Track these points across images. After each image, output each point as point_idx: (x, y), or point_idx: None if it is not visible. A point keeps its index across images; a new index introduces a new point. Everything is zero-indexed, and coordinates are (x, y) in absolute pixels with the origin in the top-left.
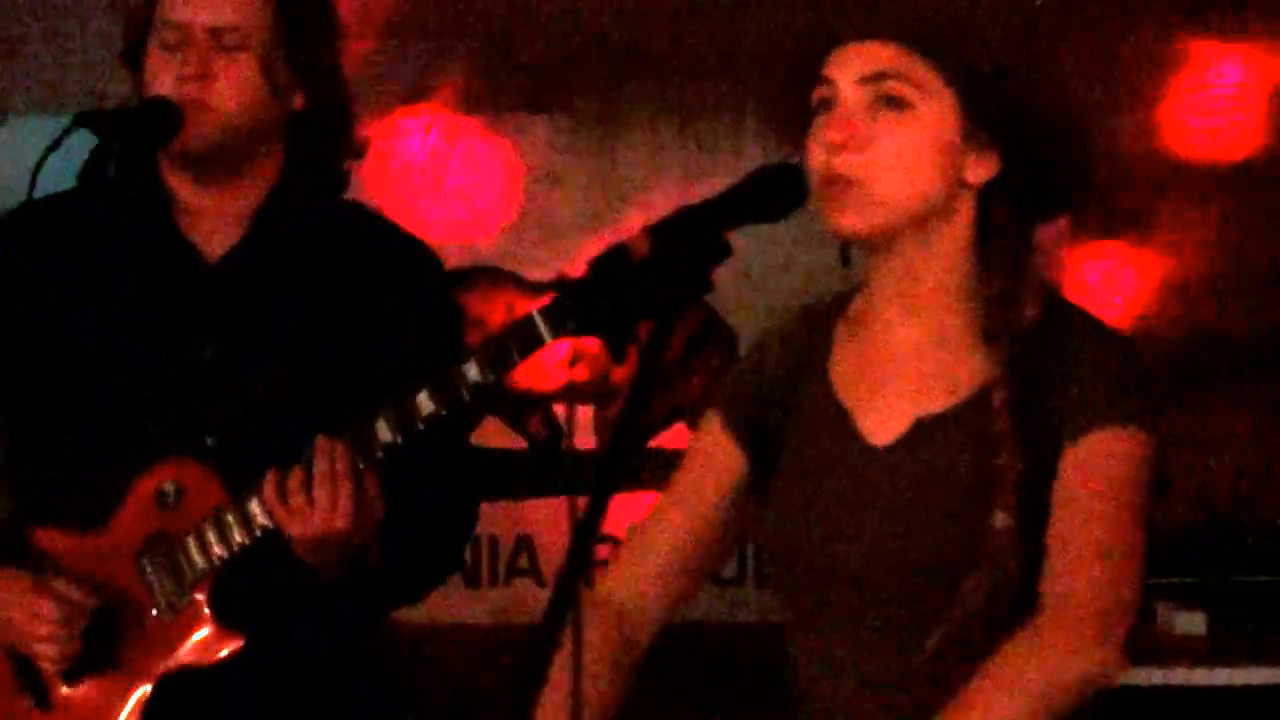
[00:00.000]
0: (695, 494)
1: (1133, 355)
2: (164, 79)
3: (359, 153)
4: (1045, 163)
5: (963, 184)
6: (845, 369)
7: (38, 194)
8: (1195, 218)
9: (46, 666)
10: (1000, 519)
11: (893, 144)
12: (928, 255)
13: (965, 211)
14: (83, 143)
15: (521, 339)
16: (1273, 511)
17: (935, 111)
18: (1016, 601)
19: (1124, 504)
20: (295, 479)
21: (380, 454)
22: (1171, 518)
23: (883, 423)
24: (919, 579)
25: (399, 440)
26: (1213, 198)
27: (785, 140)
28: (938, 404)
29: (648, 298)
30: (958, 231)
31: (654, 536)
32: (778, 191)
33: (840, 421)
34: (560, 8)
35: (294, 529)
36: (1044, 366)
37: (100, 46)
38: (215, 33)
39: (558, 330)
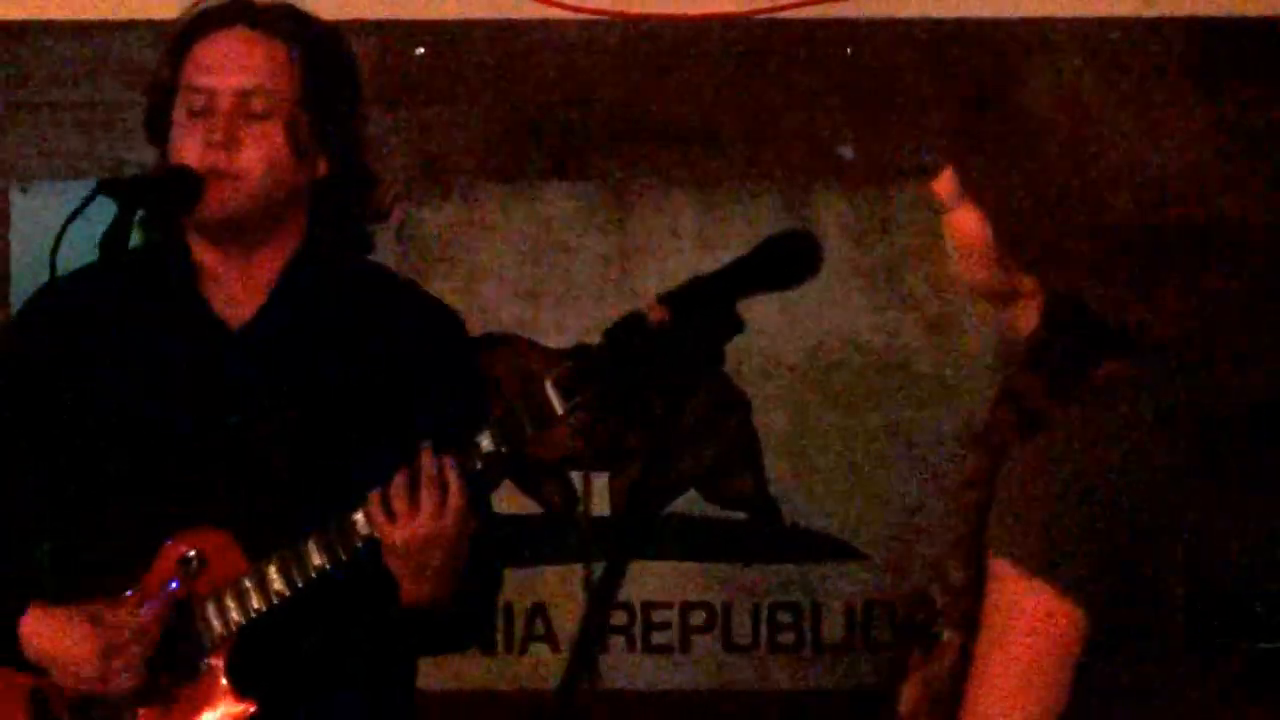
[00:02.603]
0: None
1: (1074, 503)
2: (189, 144)
3: (383, 215)
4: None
5: (1017, 288)
6: None
7: (59, 260)
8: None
9: (124, 687)
10: (947, 635)
11: (953, 226)
12: (1014, 338)
13: (1034, 312)
14: (105, 210)
15: (533, 410)
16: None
17: (967, 216)
18: None
19: (1015, 667)
20: (399, 485)
21: (479, 464)
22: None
23: None
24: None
25: None
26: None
27: None
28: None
29: (662, 366)
30: (1027, 327)
31: None
32: (791, 259)
33: None
34: (577, 76)
35: (397, 535)
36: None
37: (123, 114)
38: (242, 98)
39: (569, 400)
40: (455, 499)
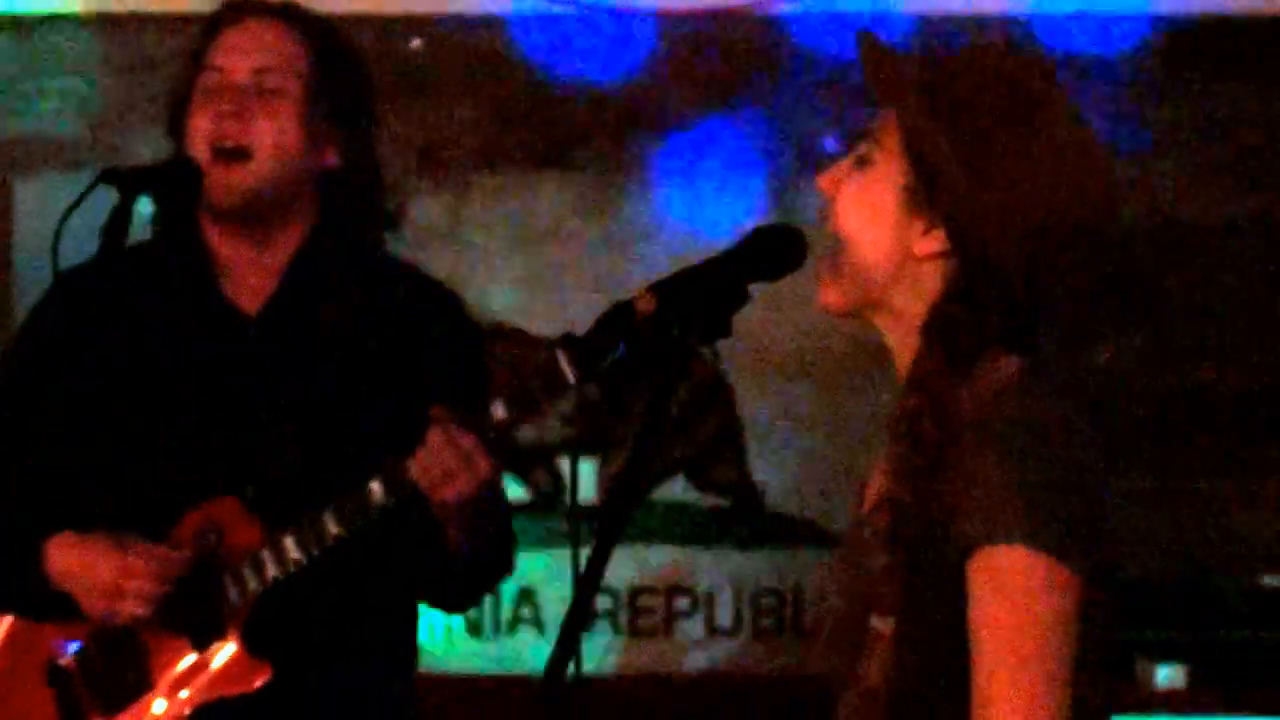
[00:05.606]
0: None
1: (1050, 477)
2: (202, 119)
3: (393, 222)
4: (988, 262)
5: (916, 254)
6: None
7: (61, 249)
8: (1182, 275)
9: (133, 613)
10: (876, 622)
11: (844, 196)
12: (896, 330)
13: (929, 290)
14: (108, 200)
15: (545, 379)
16: (1252, 568)
17: (885, 169)
18: (921, 698)
19: (1029, 635)
20: (435, 444)
21: (492, 432)
22: (1153, 573)
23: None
24: (835, 671)
25: None
26: (1199, 255)
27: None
28: (870, 498)
29: (655, 352)
30: (924, 305)
31: None
32: (778, 251)
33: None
34: (569, 68)
35: (448, 492)
36: (951, 468)
37: (125, 106)
38: (255, 75)
39: (581, 370)
40: (483, 459)
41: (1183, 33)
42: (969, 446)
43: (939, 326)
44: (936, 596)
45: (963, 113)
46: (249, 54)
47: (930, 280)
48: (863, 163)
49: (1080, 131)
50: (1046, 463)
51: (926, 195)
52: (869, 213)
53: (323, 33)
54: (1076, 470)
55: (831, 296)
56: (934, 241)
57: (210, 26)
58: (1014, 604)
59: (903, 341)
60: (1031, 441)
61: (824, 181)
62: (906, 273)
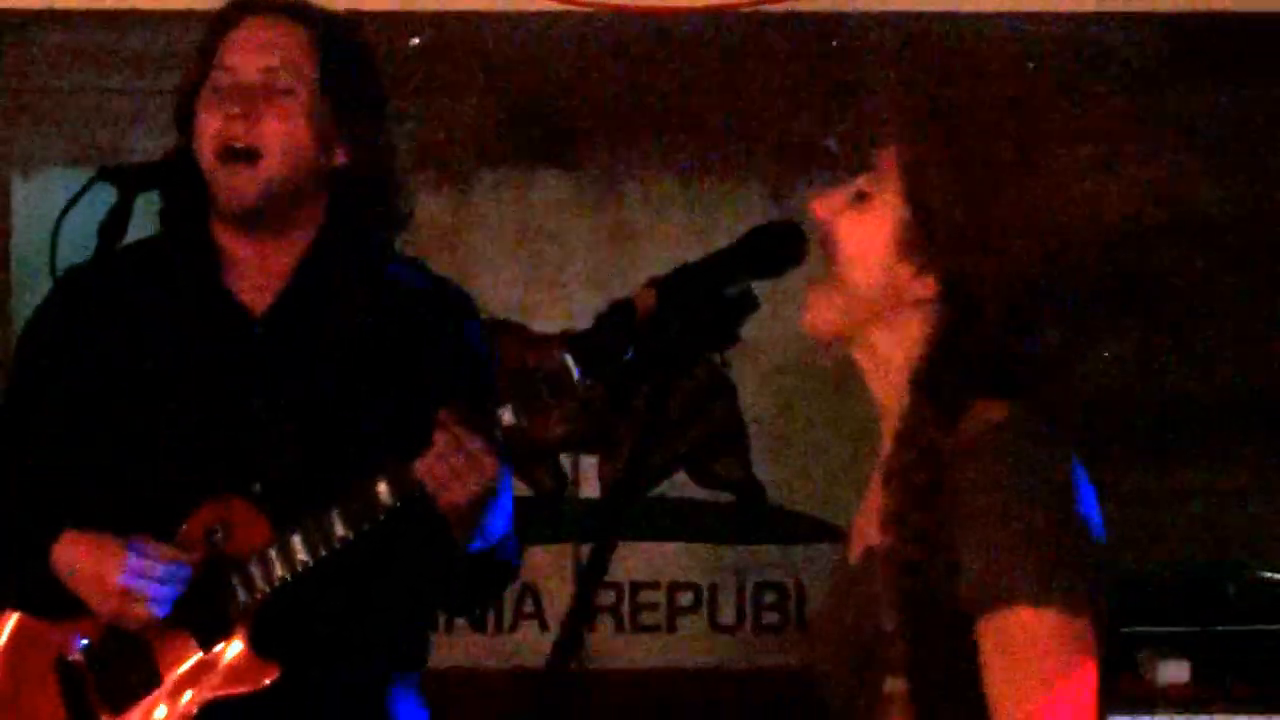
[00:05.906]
0: None
1: (1050, 521)
2: (211, 120)
3: (403, 221)
4: (980, 315)
5: (904, 296)
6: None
7: (61, 245)
8: (1183, 275)
9: (146, 616)
10: (890, 684)
11: (839, 230)
12: (876, 370)
13: (913, 333)
14: (108, 197)
15: (552, 380)
16: (1253, 562)
17: (883, 210)
18: None
19: (1048, 692)
20: (442, 446)
21: (500, 435)
22: (1154, 570)
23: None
24: (837, 703)
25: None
26: (1201, 254)
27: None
28: (858, 548)
29: (658, 350)
30: (905, 349)
31: None
32: (777, 249)
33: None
34: (568, 66)
35: (454, 494)
36: (947, 512)
37: (125, 103)
38: (265, 74)
39: (587, 370)
40: (490, 461)
41: (1185, 31)
42: (958, 496)
43: (928, 378)
44: (945, 652)
45: (967, 162)
46: (258, 53)
47: (916, 324)
48: (861, 199)
49: (1081, 157)
50: (1040, 512)
51: (923, 243)
52: (861, 250)
53: (332, 30)
54: (1068, 512)
55: (815, 320)
56: (924, 287)
57: (219, 24)
58: (1028, 665)
59: (880, 380)
60: (1022, 493)
61: (820, 209)
62: (893, 314)
